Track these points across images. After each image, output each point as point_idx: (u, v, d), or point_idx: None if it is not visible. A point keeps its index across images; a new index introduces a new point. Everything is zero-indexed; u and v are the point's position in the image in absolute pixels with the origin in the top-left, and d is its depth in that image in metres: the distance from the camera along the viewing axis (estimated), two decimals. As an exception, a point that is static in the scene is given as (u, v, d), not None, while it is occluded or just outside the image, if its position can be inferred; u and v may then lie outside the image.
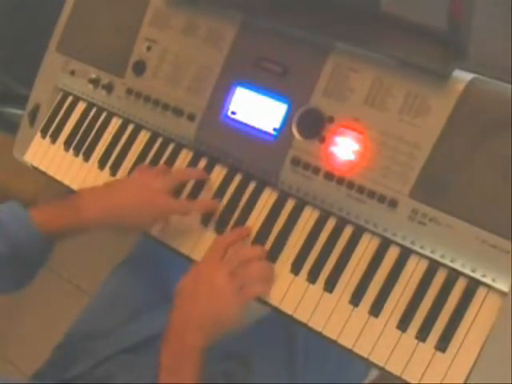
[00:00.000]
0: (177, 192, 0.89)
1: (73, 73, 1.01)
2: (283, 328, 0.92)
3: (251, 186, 0.85)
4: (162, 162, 0.92)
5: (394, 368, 0.72)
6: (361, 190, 0.77)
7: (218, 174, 0.88)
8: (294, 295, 0.78)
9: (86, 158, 0.98)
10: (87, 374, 0.86)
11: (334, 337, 0.75)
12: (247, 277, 0.76)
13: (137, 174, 0.86)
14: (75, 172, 0.98)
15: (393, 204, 0.75)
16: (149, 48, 0.94)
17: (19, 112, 1.23)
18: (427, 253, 0.73)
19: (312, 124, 0.80)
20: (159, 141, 0.93)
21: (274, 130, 0.83)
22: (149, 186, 0.82)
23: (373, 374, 1.03)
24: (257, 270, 0.77)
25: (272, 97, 0.84)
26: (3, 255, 0.75)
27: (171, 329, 0.73)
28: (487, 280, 0.70)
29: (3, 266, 0.76)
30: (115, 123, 0.98)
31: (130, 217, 0.82)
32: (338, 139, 0.79)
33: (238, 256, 0.77)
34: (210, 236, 0.85)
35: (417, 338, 0.72)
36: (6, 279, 0.78)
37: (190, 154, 0.91)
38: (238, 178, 0.86)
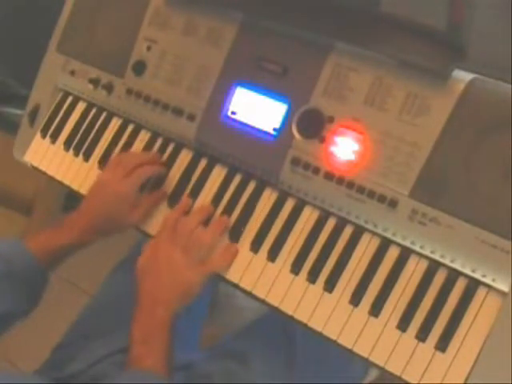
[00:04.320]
0: (176, 192, 0.89)
1: (73, 73, 1.01)
2: (282, 327, 0.92)
3: (251, 186, 0.85)
4: (161, 162, 0.92)
5: (394, 368, 0.72)
6: (361, 190, 0.77)
7: (218, 174, 0.88)
8: (294, 295, 0.78)
9: (86, 158, 0.98)
10: (83, 373, 0.86)
11: (334, 337, 0.75)
12: (199, 246, 0.80)
13: (101, 174, 0.91)
14: (75, 172, 0.98)
15: (393, 204, 0.75)
16: (149, 48, 0.94)
17: (19, 112, 1.23)
18: (427, 253, 0.73)
19: (312, 124, 0.80)
20: (159, 141, 0.93)
21: (274, 129, 0.83)
22: (103, 183, 0.87)
23: (373, 374, 1.03)
24: (204, 235, 0.81)
25: (272, 97, 0.84)
26: None
27: (140, 306, 0.78)
28: (487, 280, 0.70)
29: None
30: (115, 123, 0.98)
31: (104, 222, 0.86)
32: (338, 139, 0.79)
33: (185, 229, 0.81)
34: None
35: (417, 338, 0.72)
36: (7, 301, 0.79)
37: (190, 154, 0.91)
38: (238, 178, 0.86)
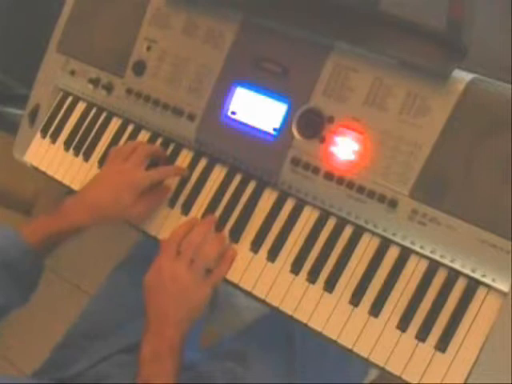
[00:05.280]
0: (176, 192, 0.89)
1: (73, 73, 1.01)
2: (281, 327, 0.92)
3: (251, 186, 0.85)
4: (162, 161, 0.92)
5: (394, 368, 0.72)
6: (361, 190, 0.77)
7: (218, 173, 0.88)
8: (294, 295, 0.78)
9: (86, 157, 0.98)
10: (84, 374, 0.86)
11: (334, 337, 0.75)
12: (205, 259, 0.79)
13: (107, 165, 0.89)
14: (75, 172, 0.98)
15: (393, 204, 0.75)
16: (149, 48, 0.94)
17: (19, 112, 1.23)
18: (427, 253, 0.73)
19: (312, 124, 0.80)
20: (159, 141, 0.93)
21: (274, 130, 0.83)
22: (118, 170, 0.86)
23: (373, 374, 1.03)
24: (210, 249, 0.80)
25: (272, 97, 0.84)
26: None
27: (149, 326, 0.77)
28: (487, 280, 0.70)
29: None
30: (115, 123, 0.98)
31: (110, 207, 0.85)
32: (338, 139, 0.79)
33: (190, 244, 0.80)
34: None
35: (417, 338, 0.72)
36: (3, 290, 0.79)
37: (190, 154, 0.91)
38: (238, 178, 0.86)
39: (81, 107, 1.02)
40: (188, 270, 0.78)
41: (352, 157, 0.78)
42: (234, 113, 0.86)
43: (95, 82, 0.98)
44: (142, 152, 0.88)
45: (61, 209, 0.85)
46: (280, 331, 0.92)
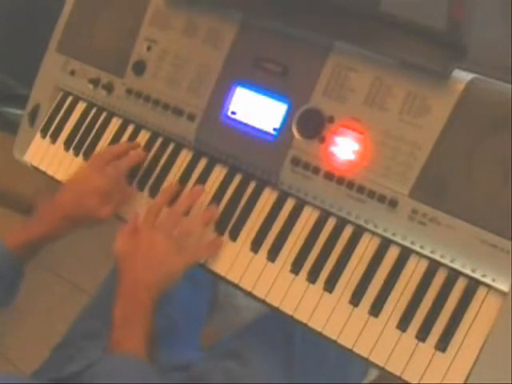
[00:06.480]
0: (177, 192, 0.89)
1: (73, 73, 1.01)
2: (281, 327, 0.92)
3: (251, 186, 0.85)
4: (161, 162, 0.92)
5: (394, 368, 0.72)
6: (361, 190, 0.77)
7: (218, 174, 0.88)
8: (294, 295, 0.78)
9: (86, 157, 0.98)
10: (82, 374, 0.86)
11: (334, 337, 0.75)
12: (186, 234, 0.81)
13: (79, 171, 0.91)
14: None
15: (393, 204, 0.75)
16: (149, 48, 0.94)
17: (19, 112, 1.23)
18: (427, 253, 0.73)
19: (312, 124, 0.80)
20: (159, 141, 0.93)
21: (274, 129, 0.83)
22: (81, 177, 0.88)
23: (373, 374, 1.03)
24: (191, 224, 0.82)
25: (272, 97, 0.84)
26: None
27: (120, 290, 0.78)
28: (487, 280, 0.70)
29: None
30: (115, 123, 0.98)
31: (75, 211, 0.86)
32: (338, 139, 0.79)
33: (170, 216, 0.82)
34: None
35: (417, 338, 0.72)
36: None
37: (190, 154, 0.91)
38: (238, 178, 0.86)
39: (81, 107, 1.02)
40: (165, 239, 0.80)
41: (352, 157, 0.78)
42: (233, 113, 0.86)
43: (95, 82, 0.98)
44: (103, 156, 0.89)
45: (37, 215, 0.87)
46: (280, 331, 0.92)
